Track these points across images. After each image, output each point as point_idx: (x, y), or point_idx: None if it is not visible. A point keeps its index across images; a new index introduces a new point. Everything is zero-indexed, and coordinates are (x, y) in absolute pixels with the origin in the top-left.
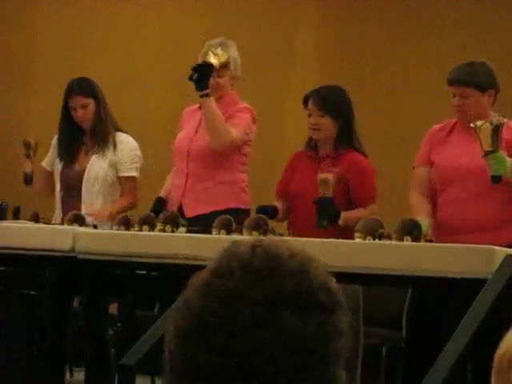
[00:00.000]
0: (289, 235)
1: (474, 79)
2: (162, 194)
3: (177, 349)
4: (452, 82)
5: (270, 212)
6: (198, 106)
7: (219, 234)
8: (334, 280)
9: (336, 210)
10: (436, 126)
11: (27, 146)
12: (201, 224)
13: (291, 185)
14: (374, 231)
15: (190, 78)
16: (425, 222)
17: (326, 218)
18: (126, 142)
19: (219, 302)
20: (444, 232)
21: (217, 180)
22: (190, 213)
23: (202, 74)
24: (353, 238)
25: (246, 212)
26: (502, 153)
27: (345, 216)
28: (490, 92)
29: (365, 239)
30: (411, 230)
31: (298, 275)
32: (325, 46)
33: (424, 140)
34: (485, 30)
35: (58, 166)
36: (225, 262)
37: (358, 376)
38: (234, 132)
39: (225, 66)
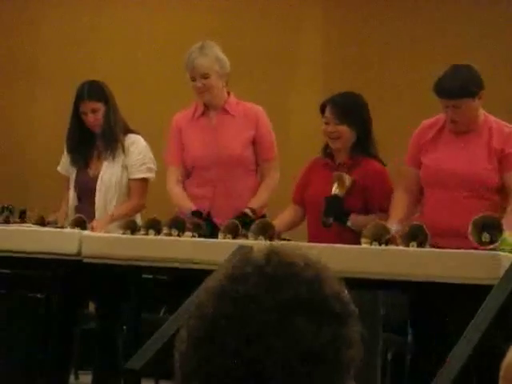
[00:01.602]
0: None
1: (465, 90)
2: (193, 207)
3: (188, 352)
4: (442, 95)
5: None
6: (193, 111)
7: (225, 238)
8: (346, 290)
9: (345, 210)
10: (426, 122)
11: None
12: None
13: (307, 192)
14: (381, 236)
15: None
16: (391, 229)
17: (333, 216)
18: (135, 144)
19: (233, 305)
20: None
21: (246, 186)
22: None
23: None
24: None
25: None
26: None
27: (355, 219)
28: (480, 94)
29: (371, 244)
30: (417, 235)
31: (313, 283)
32: (329, 46)
33: (413, 138)
34: (490, 30)
35: (72, 172)
36: (240, 267)
37: (379, 378)
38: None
39: (210, 67)
